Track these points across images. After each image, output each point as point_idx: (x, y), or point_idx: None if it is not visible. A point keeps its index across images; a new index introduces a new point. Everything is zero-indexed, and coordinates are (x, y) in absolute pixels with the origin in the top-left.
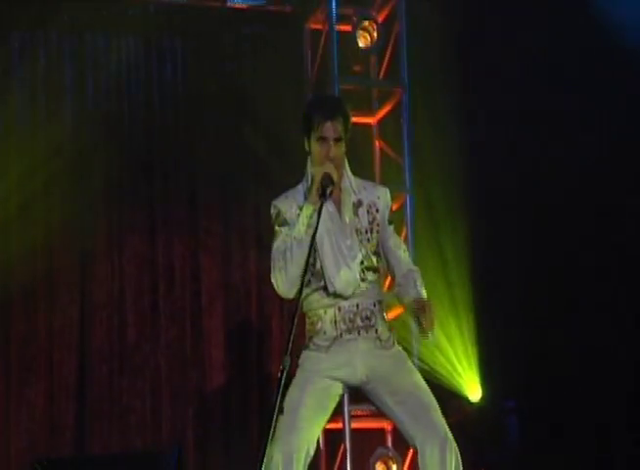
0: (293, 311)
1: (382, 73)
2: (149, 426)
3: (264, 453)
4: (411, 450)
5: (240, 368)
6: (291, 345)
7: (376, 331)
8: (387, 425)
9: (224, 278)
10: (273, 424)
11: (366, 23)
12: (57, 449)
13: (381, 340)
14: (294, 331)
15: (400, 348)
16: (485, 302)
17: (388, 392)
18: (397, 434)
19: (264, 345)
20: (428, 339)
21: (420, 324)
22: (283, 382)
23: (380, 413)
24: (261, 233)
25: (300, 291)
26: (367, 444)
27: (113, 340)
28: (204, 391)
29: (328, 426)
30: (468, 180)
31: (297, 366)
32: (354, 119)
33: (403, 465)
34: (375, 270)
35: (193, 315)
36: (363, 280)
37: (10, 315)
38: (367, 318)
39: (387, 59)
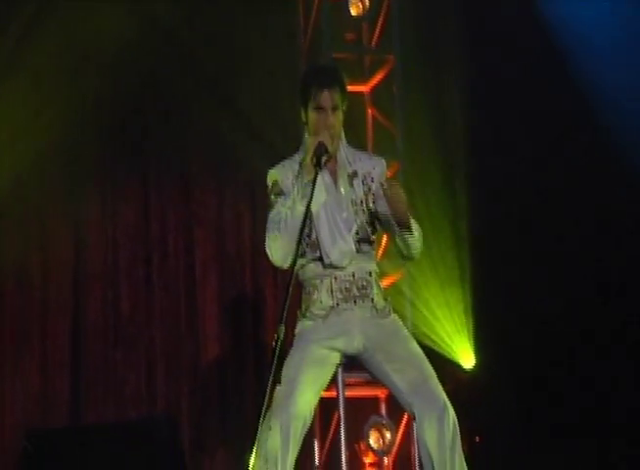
0: (287, 281)
1: (374, 41)
2: (144, 398)
3: (261, 422)
4: (405, 418)
5: (235, 339)
6: (285, 313)
7: (372, 300)
8: (380, 393)
9: (218, 250)
10: (269, 393)
11: None
12: (51, 422)
13: (377, 309)
14: (288, 300)
15: (396, 316)
16: (480, 268)
17: (385, 360)
18: (391, 402)
19: (259, 316)
20: (407, 234)
21: (392, 209)
22: (278, 351)
23: (374, 381)
24: (255, 205)
25: (294, 261)
26: (361, 412)
27: (106, 312)
28: (198, 362)
29: (322, 394)
30: (461, 149)
31: (293, 335)
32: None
33: (397, 433)
34: (370, 242)
35: (187, 287)
36: (358, 251)
37: (3, 288)
38: (363, 288)
39: (379, 27)
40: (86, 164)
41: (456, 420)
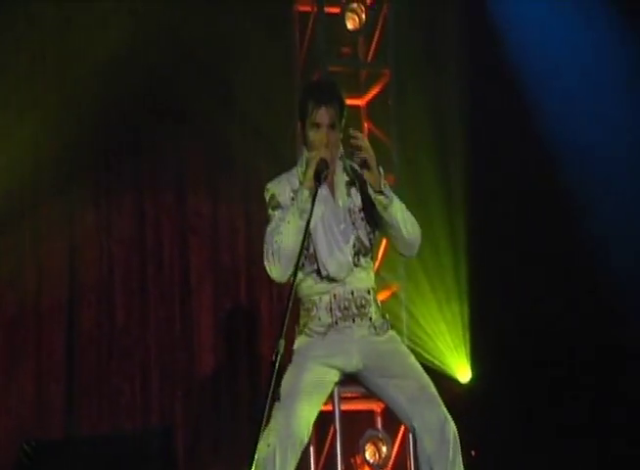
0: (287, 295)
1: (370, 56)
2: (138, 408)
3: (260, 438)
4: (401, 432)
5: (229, 350)
6: (285, 328)
7: (370, 319)
8: (376, 407)
9: (213, 260)
10: (267, 408)
11: (354, 4)
12: (45, 431)
13: (375, 327)
14: (288, 314)
15: (394, 332)
16: (476, 282)
17: (383, 376)
18: (387, 416)
19: (253, 326)
20: (380, 196)
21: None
22: (277, 365)
23: (369, 395)
24: (250, 215)
25: (295, 274)
26: (357, 425)
27: (101, 322)
28: (193, 372)
29: None
30: (458, 162)
31: (291, 351)
32: None
33: (393, 446)
34: (368, 255)
35: (182, 297)
36: (357, 265)
37: None
38: (362, 306)
39: (375, 41)
40: (80, 173)
41: (456, 433)
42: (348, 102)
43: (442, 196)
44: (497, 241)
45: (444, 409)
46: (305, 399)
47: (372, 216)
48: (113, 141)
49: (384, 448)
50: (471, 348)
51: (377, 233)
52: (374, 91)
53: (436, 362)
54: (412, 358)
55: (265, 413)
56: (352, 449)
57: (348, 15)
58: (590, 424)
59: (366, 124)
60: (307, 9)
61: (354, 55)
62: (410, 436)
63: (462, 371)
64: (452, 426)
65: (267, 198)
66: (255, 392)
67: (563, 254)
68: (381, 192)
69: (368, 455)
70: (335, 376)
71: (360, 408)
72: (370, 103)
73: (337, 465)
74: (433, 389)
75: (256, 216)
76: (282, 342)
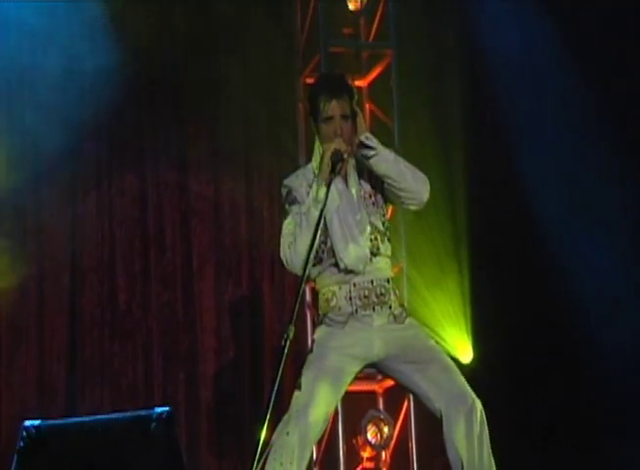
0: (299, 282)
1: (371, 36)
2: (140, 391)
3: (265, 423)
4: (403, 413)
5: (231, 332)
6: (295, 315)
7: (390, 307)
8: (378, 387)
9: (215, 243)
10: (274, 393)
11: None
12: (48, 415)
13: (394, 315)
14: (299, 301)
15: (412, 319)
16: (478, 262)
17: (405, 361)
18: (389, 396)
19: (256, 308)
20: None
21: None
22: (286, 351)
23: (371, 376)
24: (252, 197)
25: (306, 263)
26: (358, 406)
27: (104, 304)
28: (195, 355)
29: None
30: (460, 143)
31: (312, 341)
32: None
33: (395, 427)
34: (385, 241)
35: (184, 280)
36: (375, 255)
37: None
38: (382, 295)
39: (376, 21)
40: (83, 157)
41: (483, 411)
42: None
43: (444, 175)
44: (499, 222)
45: (470, 390)
46: (325, 390)
47: (381, 195)
48: (114, 123)
49: (385, 429)
50: (472, 327)
51: (386, 214)
52: (375, 72)
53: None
54: (432, 342)
55: (272, 397)
56: (354, 430)
57: None
58: (589, 421)
59: (368, 105)
60: None
61: (356, 35)
62: (412, 417)
63: (463, 351)
64: (478, 404)
65: (284, 193)
66: (258, 374)
67: (567, 240)
68: (362, 143)
69: (370, 436)
70: (356, 366)
71: (362, 389)
72: (372, 83)
73: (338, 446)
74: (455, 369)
75: (258, 198)
76: (292, 327)
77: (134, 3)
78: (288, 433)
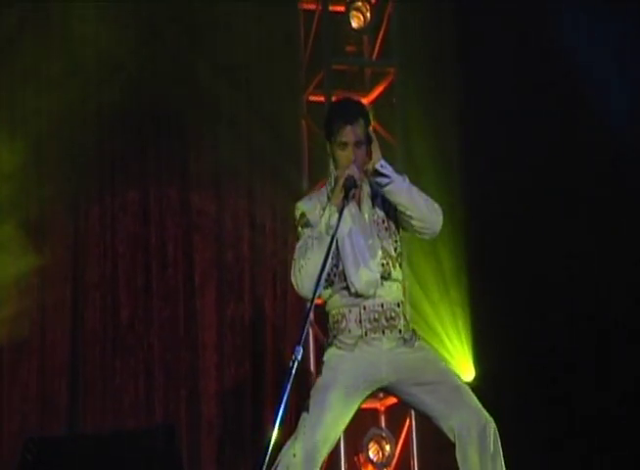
0: (308, 306)
1: (375, 54)
2: (142, 406)
3: (271, 444)
4: (405, 431)
5: (233, 349)
6: (304, 336)
7: (400, 331)
8: (380, 405)
9: (217, 259)
10: (281, 414)
11: (359, 3)
12: (49, 430)
13: (404, 339)
14: (308, 323)
15: (422, 341)
16: (479, 280)
17: (415, 384)
18: (391, 414)
19: (257, 326)
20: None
21: None
22: (294, 372)
23: (373, 394)
24: (254, 214)
25: (317, 286)
26: (360, 424)
27: (105, 320)
28: (196, 371)
29: None
30: (461, 161)
31: (322, 362)
32: None
33: (396, 445)
34: (397, 266)
35: (186, 296)
36: (386, 279)
37: (1, 295)
38: (391, 318)
39: (379, 39)
40: (85, 172)
41: (497, 430)
42: None
43: (445, 193)
44: (501, 237)
45: (481, 407)
46: (334, 414)
47: (394, 221)
48: (117, 139)
49: (387, 447)
50: (474, 345)
51: (400, 240)
52: (379, 90)
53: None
54: (442, 363)
55: (279, 419)
56: (356, 448)
57: (353, 13)
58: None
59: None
60: (312, 7)
61: (359, 53)
62: (414, 435)
63: (466, 369)
64: (492, 423)
65: (297, 216)
66: (260, 391)
67: (569, 250)
68: (377, 171)
69: (371, 454)
70: (366, 390)
71: (364, 407)
72: (375, 101)
73: (340, 463)
74: (467, 389)
75: (261, 216)
76: (300, 349)
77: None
78: (294, 455)
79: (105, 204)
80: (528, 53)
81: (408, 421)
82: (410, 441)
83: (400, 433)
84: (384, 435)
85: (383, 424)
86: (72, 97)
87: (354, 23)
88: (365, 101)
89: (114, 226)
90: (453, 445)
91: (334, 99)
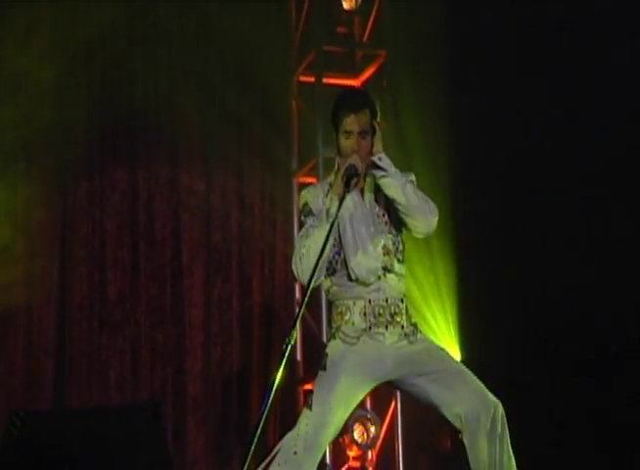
0: (304, 290)
1: (366, 36)
2: (128, 383)
3: (259, 430)
4: (390, 413)
5: (219, 328)
6: (298, 322)
7: (402, 327)
8: None
9: (205, 238)
10: (270, 399)
11: None
12: (35, 405)
13: (406, 334)
14: (302, 310)
15: (423, 334)
16: (466, 264)
17: (418, 374)
18: (376, 396)
19: (245, 305)
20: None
21: None
22: (287, 354)
23: None
24: (243, 194)
25: (313, 273)
26: None
27: (93, 297)
28: (183, 349)
29: (307, 387)
30: (452, 144)
31: (325, 355)
32: (338, 81)
33: (381, 427)
34: (402, 262)
35: (173, 274)
36: (389, 271)
37: None
38: (395, 314)
39: (371, 22)
40: (74, 150)
41: (503, 412)
42: (343, 82)
43: (434, 175)
44: (489, 224)
45: (486, 390)
46: (336, 410)
47: (395, 217)
48: (107, 117)
49: (372, 429)
50: (460, 329)
51: (401, 237)
52: (369, 72)
53: None
54: (443, 352)
55: (268, 402)
56: (342, 429)
57: None
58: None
59: None
60: None
61: (350, 35)
62: (399, 417)
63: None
64: (499, 405)
65: (301, 205)
66: (246, 369)
67: (558, 236)
68: (375, 164)
69: (356, 435)
70: (368, 385)
71: None
72: (365, 83)
73: None
74: (469, 373)
75: (249, 195)
76: (294, 332)
77: None
78: (296, 452)
79: (94, 181)
80: (519, 34)
81: (393, 403)
82: (395, 423)
83: (385, 415)
84: (369, 416)
85: (368, 406)
86: (63, 74)
87: (346, 5)
88: (355, 83)
89: (102, 204)
90: (458, 431)
91: (324, 81)
